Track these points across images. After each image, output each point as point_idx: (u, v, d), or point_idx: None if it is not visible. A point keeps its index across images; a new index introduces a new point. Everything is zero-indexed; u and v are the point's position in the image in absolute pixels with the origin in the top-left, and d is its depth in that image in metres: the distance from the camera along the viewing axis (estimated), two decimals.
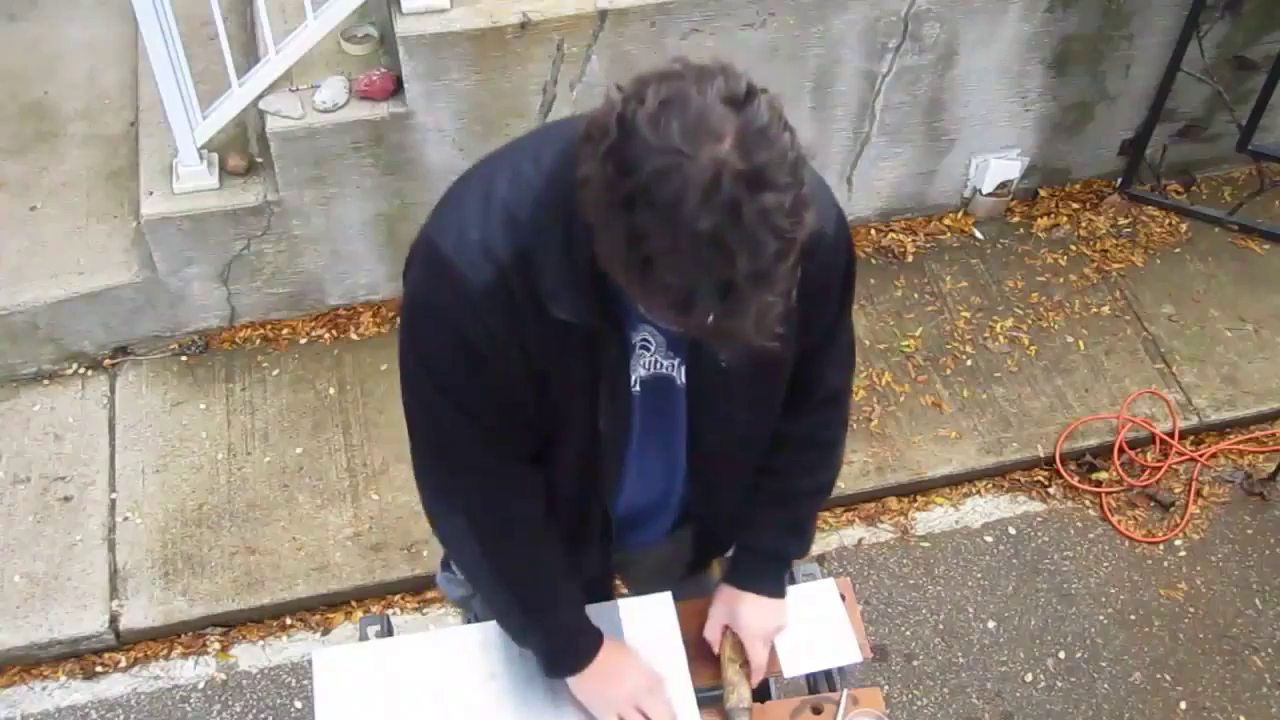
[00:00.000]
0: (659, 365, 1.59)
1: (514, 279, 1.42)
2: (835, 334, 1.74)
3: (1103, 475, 3.38)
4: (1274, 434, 3.48)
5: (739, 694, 1.80)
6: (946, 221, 3.89)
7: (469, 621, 2.18)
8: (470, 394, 1.53)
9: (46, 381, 3.38)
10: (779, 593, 1.86)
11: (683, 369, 1.60)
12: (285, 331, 3.51)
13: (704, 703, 1.83)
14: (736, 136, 1.17)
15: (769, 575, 1.86)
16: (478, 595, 2.07)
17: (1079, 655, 3.06)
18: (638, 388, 1.60)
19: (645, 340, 1.56)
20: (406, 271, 1.53)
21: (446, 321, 1.48)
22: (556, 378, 1.54)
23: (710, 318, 1.23)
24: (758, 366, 1.60)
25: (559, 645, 1.78)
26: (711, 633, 1.86)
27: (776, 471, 1.82)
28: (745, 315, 1.24)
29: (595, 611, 1.90)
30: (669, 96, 1.19)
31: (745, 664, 1.83)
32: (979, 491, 3.37)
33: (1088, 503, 3.35)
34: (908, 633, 3.09)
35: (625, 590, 2.24)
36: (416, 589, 3.08)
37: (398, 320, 1.55)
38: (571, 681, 1.78)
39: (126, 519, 3.12)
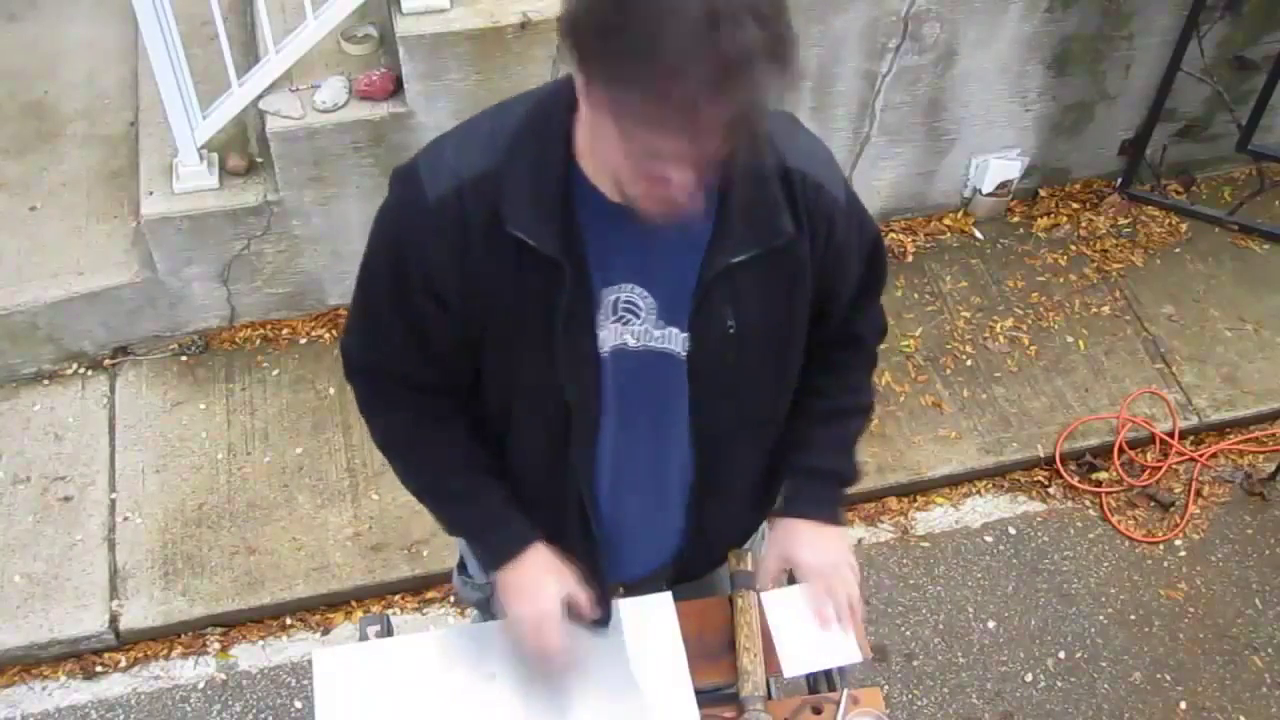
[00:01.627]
0: (650, 336, 1.55)
1: (470, 199, 1.45)
2: (866, 304, 1.74)
3: (1103, 475, 3.38)
4: (1274, 434, 3.48)
5: (753, 682, 1.79)
6: (946, 221, 3.89)
7: (468, 592, 2.18)
8: (398, 300, 1.57)
9: (46, 381, 3.38)
10: (836, 519, 1.75)
11: (683, 339, 1.56)
12: (285, 331, 3.51)
13: (704, 703, 1.83)
14: None
15: (823, 498, 1.76)
16: (493, 599, 2.07)
17: (1079, 655, 3.07)
18: (607, 350, 1.54)
19: (631, 304, 1.53)
20: (389, 189, 1.58)
21: (396, 226, 1.54)
22: (504, 325, 1.52)
23: (722, 114, 1.24)
24: (768, 335, 1.58)
25: (481, 538, 1.74)
26: (773, 568, 1.76)
27: (816, 394, 1.76)
28: (746, 95, 1.25)
29: None
30: None
31: (759, 653, 1.81)
32: (979, 491, 3.37)
33: (1088, 503, 3.35)
34: (908, 633, 3.09)
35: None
36: (416, 589, 3.08)
37: None
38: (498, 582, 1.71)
39: (126, 519, 3.12)
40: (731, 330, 1.54)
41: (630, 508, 1.76)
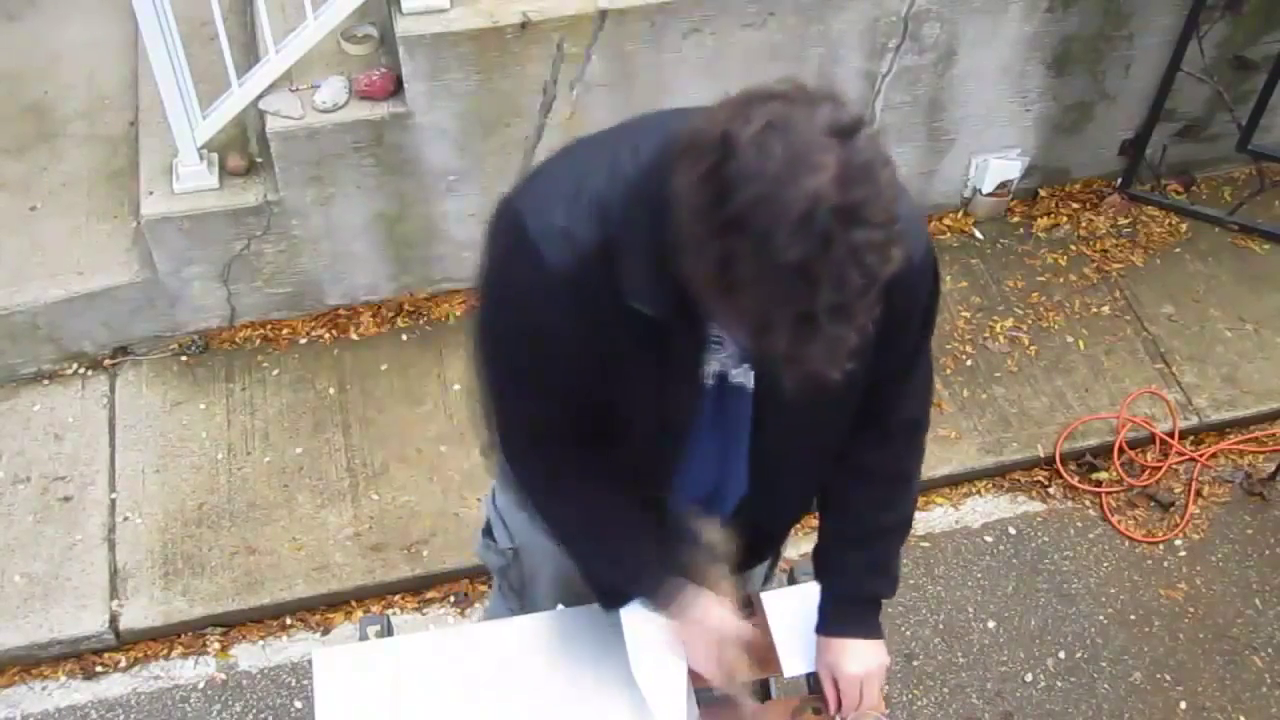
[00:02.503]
0: (726, 367, 1.59)
1: (594, 269, 1.43)
2: (914, 363, 1.73)
3: (1103, 475, 3.38)
4: (1274, 434, 3.48)
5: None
6: (946, 221, 3.89)
7: (502, 590, 2.18)
8: (534, 375, 1.56)
9: (46, 381, 3.38)
10: (876, 634, 1.85)
11: (751, 375, 1.60)
12: (285, 331, 3.51)
13: (704, 702, 1.83)
14: (837, 169, 1.17)
15: (863, 619, 1.85)
16: (514, 565, 2.10)
17: (1079, 655, 3.07)
18: (711, 381, 1.59)
19: (717, 337, 1.56)
20: (489, 239, 1.53)
21: (522, 303, 1.50)
22: (628, 366, 1.54)
23: (784, 344, 1.25)
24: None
25: (651, 585, 1.78)
26: (826, 680, 1.85)
27: (855, 510, 1.82)
28: (818, 345, 1.25)
29: (594, 611, 1.90)
30: (774, 120, 1.19)
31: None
32: (979, 491, 3.37)
33: (1088, 503, 3.35)
34: (908, 633, 3.09)
35: None
36: (416, 589, 3.08)
37: (475, 285, 1.61)
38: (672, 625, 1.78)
39: (126, 519, 3.12)
40: (788, 388, 1.56)
41: (688, 501, 1.80)
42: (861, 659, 1.82)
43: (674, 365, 1.55)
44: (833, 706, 1.84)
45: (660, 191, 1.30)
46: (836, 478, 1.81)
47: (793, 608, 1.90)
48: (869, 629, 1.84)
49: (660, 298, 1.41)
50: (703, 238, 1.22)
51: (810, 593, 1.93)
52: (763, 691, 1.95)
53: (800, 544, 3.10)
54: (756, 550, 1.99)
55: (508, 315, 1.55)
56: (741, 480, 1.78)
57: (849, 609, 1.85)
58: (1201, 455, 3.42)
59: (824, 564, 1.87)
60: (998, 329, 3.62)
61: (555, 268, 1.44)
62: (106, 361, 3.41)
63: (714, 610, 1.76)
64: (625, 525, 1.76)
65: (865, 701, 1.82)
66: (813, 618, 1.87)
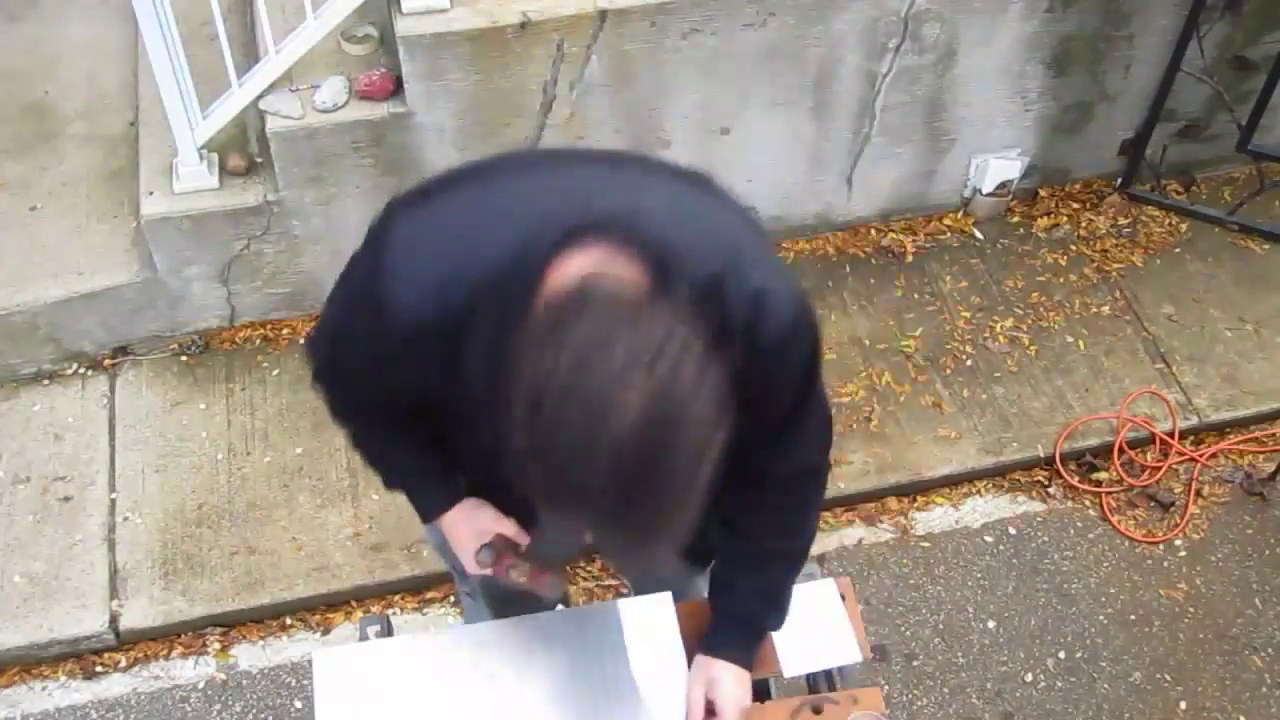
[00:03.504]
0: None
1: (437, 325, 1.44)
2: (799, 420, 1.66)
3: (1103, 475, 3.38)
4: (1274, 434, 3.48)
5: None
6: (946, 221, 3.89)
7: (460, 585, 2.18)
8: (359, 372, 1.64)
9: (46, 381, 3.38)
10: (749, 664, 1.84)
11: None
12: (285, 331, 3.51)
13: None
14: (639, 410, 1.16)
15: (741, 644, 1.84)
16: (463, 581, 2.15)
17: (1079, 655, 3.07)
18: None
19: None
20: (366, 240, 1.52)
21: (363, 318, 1.52)
22: (464, 425, 1.58)
23: (605, 551, 1.33)
24: None
25: (421, 504, 1.89)
26: (695, 699, 1.82)
27: (749, 535, 1.79)
28: (638, 555, 1.32)
29: (594, 611, 1.90)
30: (580, 360, 1.18)
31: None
32: (979, 491, 3.37)
33: (1088, 503, 3.35)
34: (908, 633, 3.09)
35: (625, 589, 2.24)
36: (416, 589, 3.08)
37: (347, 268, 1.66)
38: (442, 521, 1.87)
39: (126, 519, 3.12)
40: None
41: None
42: (738, 686, 1.81)
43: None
44: (696, 712, 1.82)
45: (524, 282, 1.33)
46: (732, 507, 1.72)
47: (792, 607, 1.90)
48: (743, 657, 1.83)
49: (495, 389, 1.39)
50: (524, 452, 1.22)
51: (808, 593, 1.93)
52: (762, 692, 1.95)
53: None
54: (698, 557, 1.99)
55: (350, 316, 1.60)
56: None
57: (734, 633, 1.84)
58: (1201, 455, 3.42)
59: (715, 584, 1.87)
60: (998, 329, 3.62)
61: (402, 319, 1.45)
62: (106, 361, 3.42)
63: (476, 509, 1.81)
64: (410, 451, 1.85)
65: None
66: (811, 617, 1.87)
